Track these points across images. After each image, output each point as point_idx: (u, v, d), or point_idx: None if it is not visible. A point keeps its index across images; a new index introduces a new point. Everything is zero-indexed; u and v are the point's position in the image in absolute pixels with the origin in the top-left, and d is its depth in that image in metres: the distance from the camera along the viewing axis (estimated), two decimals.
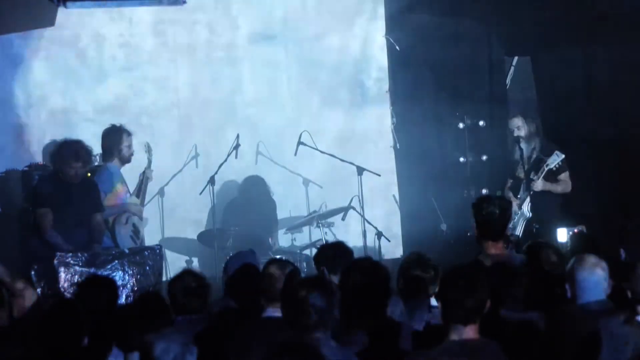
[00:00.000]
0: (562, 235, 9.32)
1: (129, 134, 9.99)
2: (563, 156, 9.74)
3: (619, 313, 5.50)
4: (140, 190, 10.30)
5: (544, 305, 5.88)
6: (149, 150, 10.59)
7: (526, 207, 9.80)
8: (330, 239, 10.41)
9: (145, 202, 10.36)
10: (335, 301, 5.27)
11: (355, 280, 5.78)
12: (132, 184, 10.23)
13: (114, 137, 9.95)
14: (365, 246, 10.66)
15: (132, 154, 10.02)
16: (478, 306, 4.97)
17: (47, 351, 5.39)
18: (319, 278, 5.56)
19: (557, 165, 9.76)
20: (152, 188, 10.68)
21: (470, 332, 4.97)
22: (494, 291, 5.18)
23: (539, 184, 9.81)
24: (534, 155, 10.10)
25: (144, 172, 10.38)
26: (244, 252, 7.35)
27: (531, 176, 9.90)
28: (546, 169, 9.79)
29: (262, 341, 5.47)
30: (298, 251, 10.70)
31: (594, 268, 5.71)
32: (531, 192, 9.81)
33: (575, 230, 9.18)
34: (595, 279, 5.68)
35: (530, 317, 5.56)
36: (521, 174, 10.07)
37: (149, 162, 10.50)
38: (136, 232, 9.97)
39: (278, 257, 9.65)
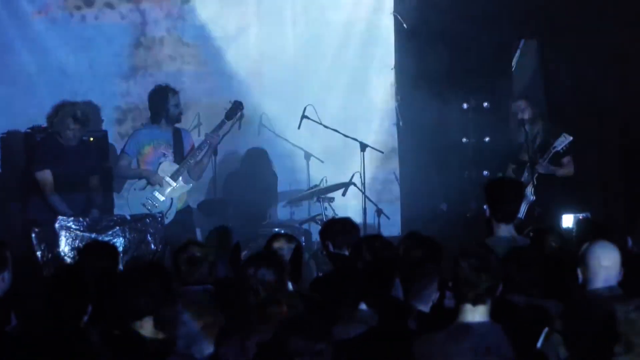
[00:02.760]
0: (568, 221, 9.23)
1: (175, 92, 9.77)
2: (571, 138, 9.60)
3: (630, 300, 5.46)
4: (204, 154, 9.82)
5: (552, 291, 5.85)
6: (235, 108, 10.09)
7: (530, 191, 9.60)
8: (330, 214, 10.36)
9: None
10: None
11: (365, 257, 5.77)
12: None
13: (159, 97, 9.75)
14: (365, 223, 10.61)
15: (180, 113, 9.83)
16: (489, 286, 4.94)
17: (50, 319, 5.29)
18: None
19: (564, 148, 9.63)
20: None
21: (479, 313, 4.94)
22: (506, 275, 5.15)
23: (543, 166, 9.69)
24: (538, 139, 9.99)
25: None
26: None
27: (538, 159, 9.75)
28: (553, 151, 9.65)
29: None
30: (297, 225, 10.66)
31: (607, 254, 5.68)
32: (536, 175, 9.68)
33: (581, 217, 9.10)
34: (607, 264, 5.66)
35: (542, 303, 5.52)
36: (525, 157, 9.92)
37: (222, 122, 10.01)
38: (153, 202, 9.78)
39: (280, 231, 9.64)
